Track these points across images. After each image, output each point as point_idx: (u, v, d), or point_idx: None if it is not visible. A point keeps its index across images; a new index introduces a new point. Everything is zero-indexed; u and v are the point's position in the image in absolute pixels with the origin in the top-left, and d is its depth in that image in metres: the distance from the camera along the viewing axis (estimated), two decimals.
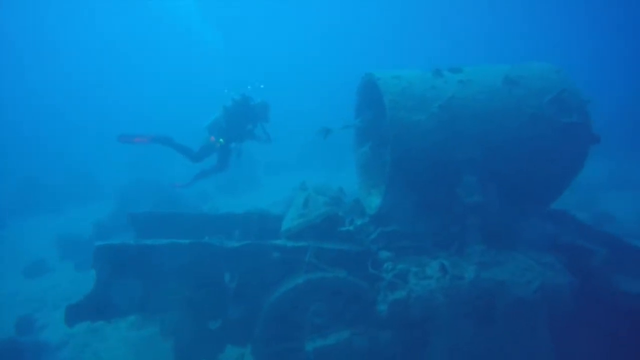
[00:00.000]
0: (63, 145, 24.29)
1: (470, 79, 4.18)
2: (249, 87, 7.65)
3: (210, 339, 4.18)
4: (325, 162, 17.78)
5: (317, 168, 17.82)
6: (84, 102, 35.76)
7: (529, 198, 4.31)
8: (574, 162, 4.22)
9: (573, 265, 3.94)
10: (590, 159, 4.42)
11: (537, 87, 4.15)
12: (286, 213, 4.85)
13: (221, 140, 7.26)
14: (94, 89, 39.11)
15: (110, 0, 42.41)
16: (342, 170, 15.48)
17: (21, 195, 15.78)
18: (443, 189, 4.08)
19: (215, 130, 7.41)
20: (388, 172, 4.01)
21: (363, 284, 4.04)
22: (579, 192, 10.37)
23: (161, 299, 3.89)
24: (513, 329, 3.73)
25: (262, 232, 5.43)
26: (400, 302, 3.67)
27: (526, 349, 3.72)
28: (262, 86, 7.80)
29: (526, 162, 4.10)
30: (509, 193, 4.19)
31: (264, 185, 16.79)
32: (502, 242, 4.05)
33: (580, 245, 4.13)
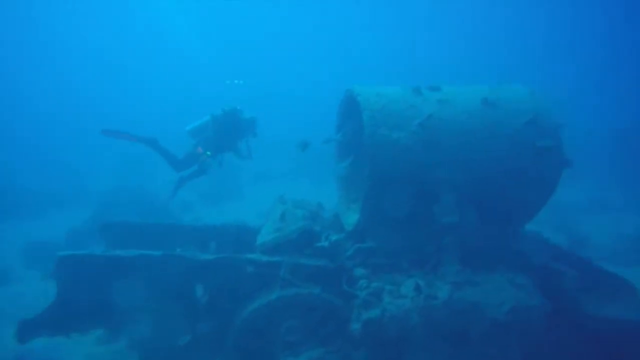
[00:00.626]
0: (49, 147, 23.80)
1: (448, 98, 4.22)
2: (227, 82, 7.61)
3: (179, 354, 4.08)
4: (312, 174, 17.75)
5: (303, 180, 17.77)
6: (72, 104, 35.19)
7: (504, 219, 4.34)
8: (547, 185, 4.27)
9: (545, 286, 3.96)
10: (572, 182, 4.49)
11: (513, 110, 4.21)
12: (262, 226, 4.80)
13: (208, 153, 7.17)
14: (83, 89, 38.47)
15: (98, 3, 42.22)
16: (328, 184, 15.46)
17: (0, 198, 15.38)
18: (421, 208, 4.07)
19: (199, 136, 7.34)
20: (365, 188, 4.00)
21: (338, 301, 4.00)
22: (558, 214, 10.56)
23: (129, 313, 3.78)
24: (486, 350, 3.71)
25: (238, 245, 5.35)
26: (374, 321, 3.62)
27: None
28: (240, 82, 7.76)
29: (502, 183, 4.13)
30: (485, 213, 4.21)
31: (248, 196, 16.64)
32: (478, 262, 4.05)
33: (552, 267, 4.16)
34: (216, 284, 4.01)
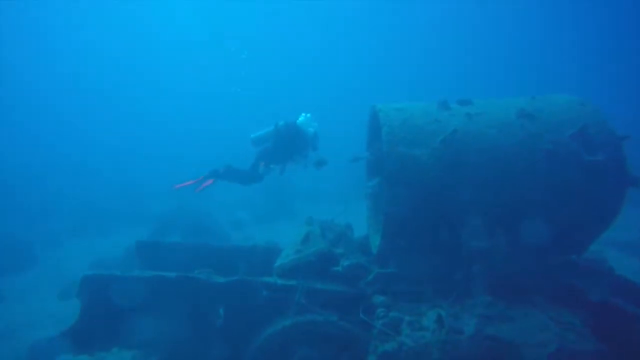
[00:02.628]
0: (116, 167, 25.79)
1: (479, 112, 3.86)
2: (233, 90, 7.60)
3: None
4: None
5: (359, 202, 17.44)
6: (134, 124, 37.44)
7: (550, 245, 3.81)
8: (604, 207, 3.69)
9: (604, 329, 3.38)
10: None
11: (556, 122, 3.74)
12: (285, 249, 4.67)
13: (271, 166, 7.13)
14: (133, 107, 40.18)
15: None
16: None
17: (78, 217, 16.85)
18: (446, 231, 3.72)
19: (261, 146, 7.17)
20: (385, 209, 3.73)
21: (355, 330, 3.72)
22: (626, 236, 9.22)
23: (145, 334, 3.79)
24: None
25: (267, 266, 5.26)
26: (390, 355, 3.30)
27: None
28: (238, 90, 7.69)
29: (542, 204, 3.65)
30: (525, 239, 3.74)
31: (300, 215, 16.69)
32: (514, 295, 3.58)
33: (614, 305, 3.55)
34: (231, 308, 3.91)
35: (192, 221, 12.24)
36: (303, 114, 7.12)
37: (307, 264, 4.02)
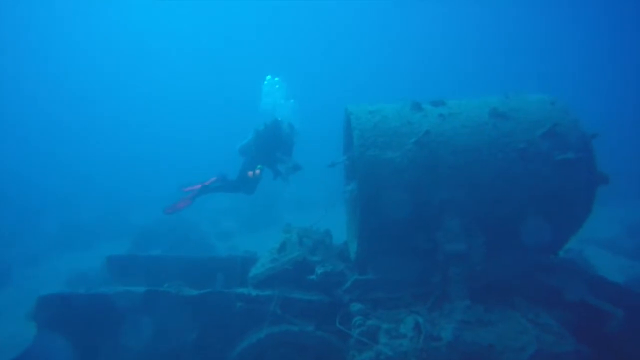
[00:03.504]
0: (102, 179, 25.29)
1: (453, 112, 3.81)
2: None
3: None
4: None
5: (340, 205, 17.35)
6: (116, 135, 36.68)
7: (526, 245, 3.77)
8: (575, 206, 3.66)
9: (581, 329, 3.33)
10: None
11: (529, 121, 3.71)
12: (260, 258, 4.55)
13: (251, 172, 7.08)
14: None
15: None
16: None
17: (60, 231, 16.43)
18: (423, 234, 3.64)
19: (248, 154, 7.30)
20: (359, 214, 3.65)
21: (333, 340, 3.62)
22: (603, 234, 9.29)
23: (113, 353, 3.63)
24: None
25: (246, 277, 5.14)
26: None
27: None
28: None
29: (517, 203, 3.61)
30: (502, 239, 3.69)
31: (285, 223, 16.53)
32: (493, 298, 3.52)
33: (591, 304, 3.50)
34: (204, 321, 3.77)
35: (175, 233, 12.00)
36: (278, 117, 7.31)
37: (282, 272, 3.91)
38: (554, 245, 3.96)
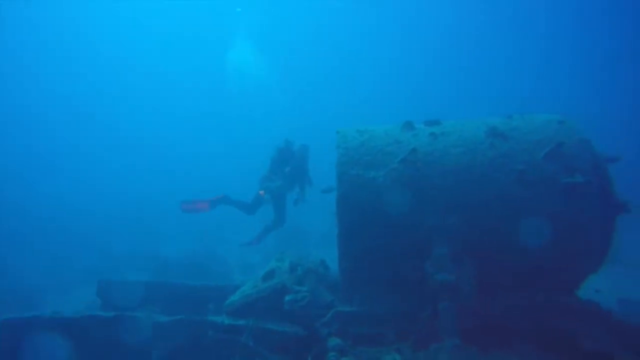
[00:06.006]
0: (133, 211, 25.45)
1: (446, 131, 3.54)
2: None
3: None
4: None
5: None
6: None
7: (530, 281, 3.31)
8: (590, 238, 3.20)
9: None
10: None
11: (530, 140, 3.36)
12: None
13: (262, 192, 7.47)
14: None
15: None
16: None
17: (91, 262, 16.82)
18: (410, 262, 3.29)
19: (265, 180, 7.58)
20: (338, 238, 3.37)
21: None
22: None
23: None
24: None
25: None
26: None
27: None
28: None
29: (515, 232, 3.19)
30: (498, 272, 3.27)
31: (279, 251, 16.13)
32: (490, 338, 3.06)
33: (608, 354, 2.97)
34: (174, 350, 3.53)
35: (195, 263, 11.97)
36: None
37: (259, 300, 3.64)
38: (567, 283, 3.46)
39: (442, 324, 3.06)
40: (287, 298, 3.51)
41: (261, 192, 7.49)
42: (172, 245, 18.93)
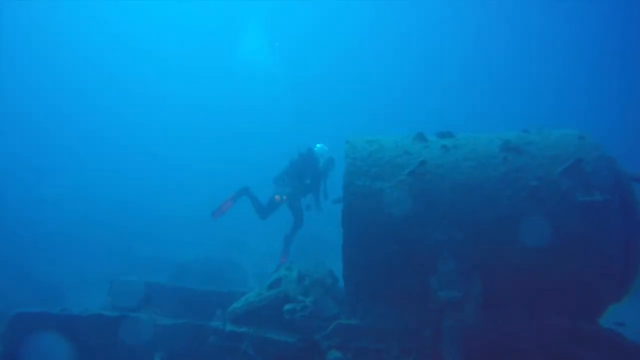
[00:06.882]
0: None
1: (459, 144, 3.44)
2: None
3: None
4: None
5: None
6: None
7: (541, 303, 3.15)
8: (612, 261, 3.02)
9: None
10: None
11: (546, 156, 3.23)
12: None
13: (277, 196, 7.30)
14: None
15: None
16: None
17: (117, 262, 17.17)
18: (415, 277, 3.19)
19: (280, 182, 7.51)
20: (342, 250, 3.31)
21: None
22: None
23: None
24: None
25: None
26: None
27: None
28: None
29: (525, 250, 3.05)
30: (507, 292, 3.13)
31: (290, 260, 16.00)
32: (494, 359, 2.93)
33: None
34: (175, 353, 3.53)
35: (212, 270, 12.03)
36: (319, 144, 7.43)
37: (262, 309, 3.61)
38: (585, 309, 3.27)
39: (446, 344, 2.94)
40: (286, 307, 3.46)
41: (277, 197, 7.37)
42: (192, 251, 19.18)
